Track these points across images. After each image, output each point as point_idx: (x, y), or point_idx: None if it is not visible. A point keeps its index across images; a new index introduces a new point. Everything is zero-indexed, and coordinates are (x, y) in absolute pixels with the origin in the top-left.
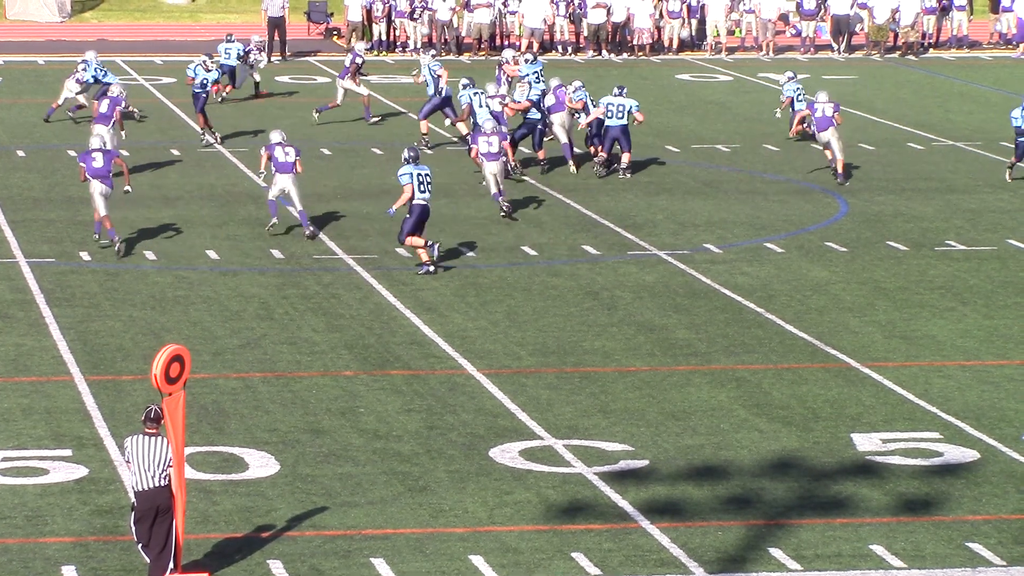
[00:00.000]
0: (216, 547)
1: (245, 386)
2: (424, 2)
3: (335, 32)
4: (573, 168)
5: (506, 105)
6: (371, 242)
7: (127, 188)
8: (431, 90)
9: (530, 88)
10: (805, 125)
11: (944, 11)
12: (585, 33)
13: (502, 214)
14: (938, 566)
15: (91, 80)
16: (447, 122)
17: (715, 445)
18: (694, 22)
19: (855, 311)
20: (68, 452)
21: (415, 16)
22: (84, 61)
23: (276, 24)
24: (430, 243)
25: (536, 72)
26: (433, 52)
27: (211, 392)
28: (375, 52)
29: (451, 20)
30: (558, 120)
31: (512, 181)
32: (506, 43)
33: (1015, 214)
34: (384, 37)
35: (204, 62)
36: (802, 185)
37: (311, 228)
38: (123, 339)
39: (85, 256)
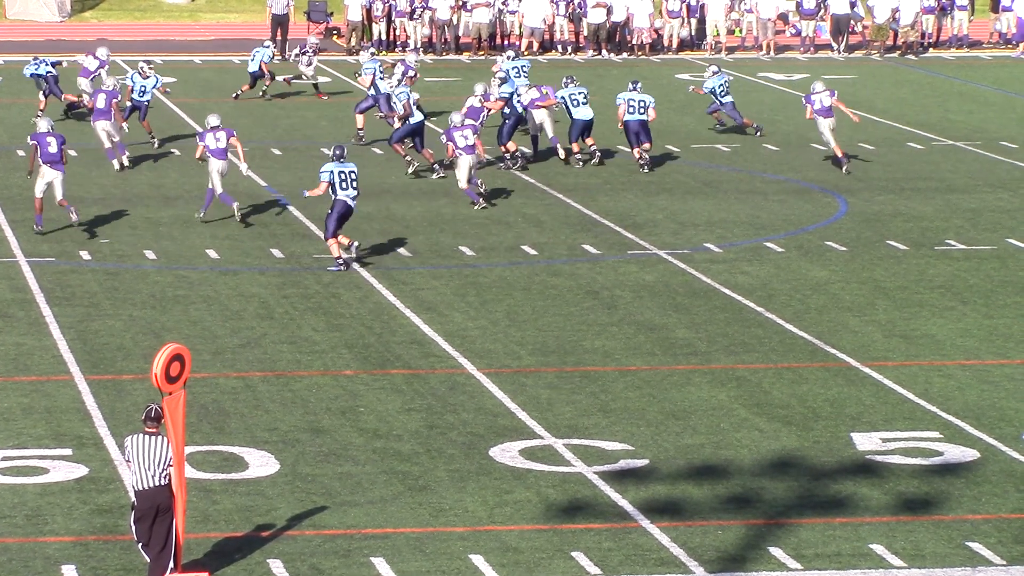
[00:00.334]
0: (216, 546)
1: (245, 385)
2: (424, 2)
3: (335, 32)
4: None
5: (484, 103)
6: (371, 241)
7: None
8: (370, 87)
9: (500, 84)
10: (717, 114)
11: (943, 11)
12: (585, 33)
13: (475, 204)
14: (938, 565)
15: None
16: (378, 116)
17: (715, 444)
18: (694, 22)
19: (855, 310)
20: (68, 451)
21: (415, 16)
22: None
23: (280, 22)
24: (352, 246)
25: (516, 68)
26: (372, 50)
27: (211, 391)
28: (375, 52)
29: (451, 19)
30: (538, 116)
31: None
32: (506, 43)
33: (1015, 213)
34: (384, 37)
35: (142, 69)
36: (802, 185)
37: (202, 213)
38: (123, 338)
39: (85, 255)
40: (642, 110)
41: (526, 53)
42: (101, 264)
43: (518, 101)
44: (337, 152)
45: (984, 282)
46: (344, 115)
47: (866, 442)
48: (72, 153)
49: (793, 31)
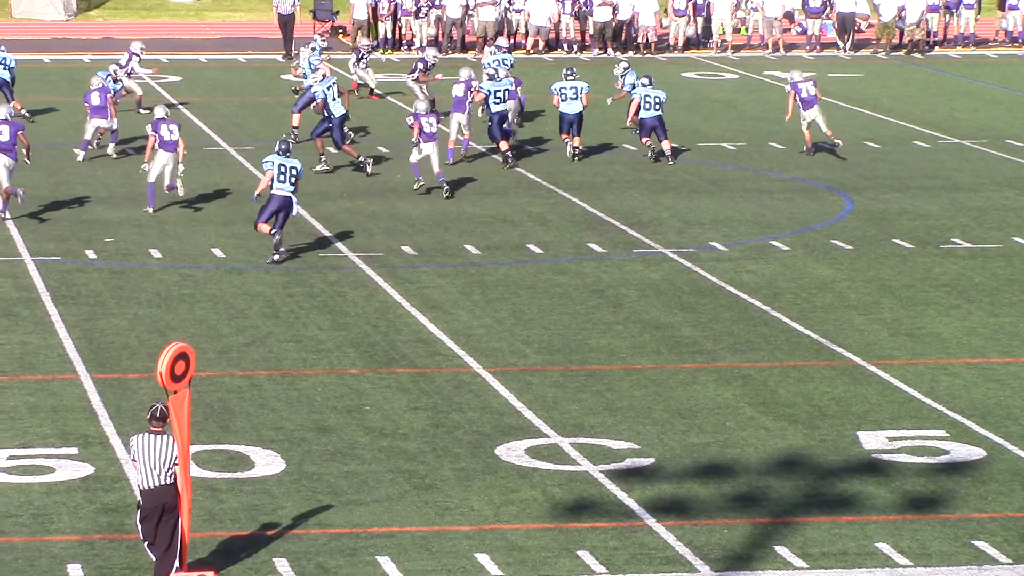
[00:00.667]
0: (222, 545)
1: (251, 384)
2: (430, 1)
3: (340, 30)
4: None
5: (471, 92)
6: (376, 240)
7: (27, 161)
8: (308, 82)
9: (486, 78)
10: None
11: (948, 9)
12: (591, 31)
13: (419, 184)
14: (944, 564)
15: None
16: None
17: (721, 443)
18: (700, 20)
19: (861, 309)
20: (74, 450)
21: (420, 14)
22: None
23: (286, 22)
24: (275, 234)
25: (498, 61)
26: (313, 45)
27: (217, 390)
28: (380, 50)
29: (462, 18)
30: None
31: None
32: (511, 41)
33: (1021, 212)
34: (390, 35)
35: (114, 72)
36: (807, 183)
37: (151, 208)
38: (128, 337)
39: (91, 254)
40: (657, 106)
41: (531, 51)
42: (106, 263)
43: (496, 100)
44: (283, 146)
45: (990, 280)
46: (355, 113)
47: (872, 441)
48: (75, 151)
49: (799, 29)
